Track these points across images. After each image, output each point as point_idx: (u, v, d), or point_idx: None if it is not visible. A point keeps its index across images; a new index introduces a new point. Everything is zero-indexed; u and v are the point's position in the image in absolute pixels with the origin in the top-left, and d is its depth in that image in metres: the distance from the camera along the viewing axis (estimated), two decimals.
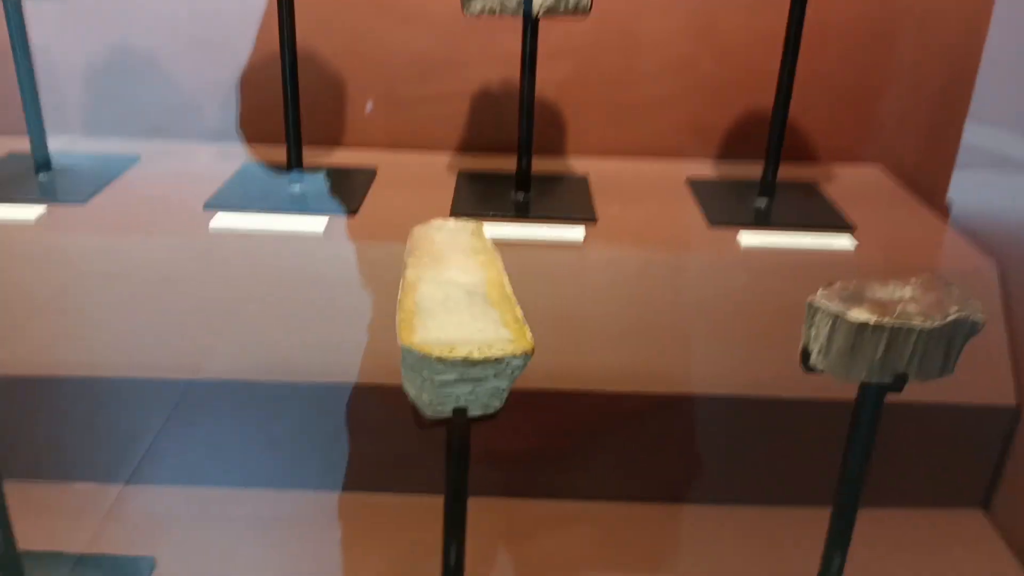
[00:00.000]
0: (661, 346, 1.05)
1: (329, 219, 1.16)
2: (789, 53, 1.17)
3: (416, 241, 0.80)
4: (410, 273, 0.74)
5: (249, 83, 1.45)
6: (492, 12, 1.14)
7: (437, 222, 0.82)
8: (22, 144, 1.27)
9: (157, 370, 1.02)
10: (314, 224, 1.14)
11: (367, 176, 1.35)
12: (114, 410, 1.04)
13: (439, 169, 1.40)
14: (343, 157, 1.43)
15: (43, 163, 1.26)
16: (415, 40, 1.42)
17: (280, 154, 1.27)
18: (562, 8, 1.14)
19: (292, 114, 1.23)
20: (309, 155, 1.30)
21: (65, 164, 1.31)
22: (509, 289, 0.74)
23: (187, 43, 1.44)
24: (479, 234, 0.81)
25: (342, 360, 1.03)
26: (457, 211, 1.22)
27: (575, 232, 1.15)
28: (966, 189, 1.23)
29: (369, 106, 1.45)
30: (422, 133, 1.47)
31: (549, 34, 1.26)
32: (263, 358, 1.03)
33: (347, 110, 1.47)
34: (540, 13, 1.13)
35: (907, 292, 0.74)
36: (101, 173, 1.29)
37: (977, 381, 1.02)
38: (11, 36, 1.18)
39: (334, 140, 1.48)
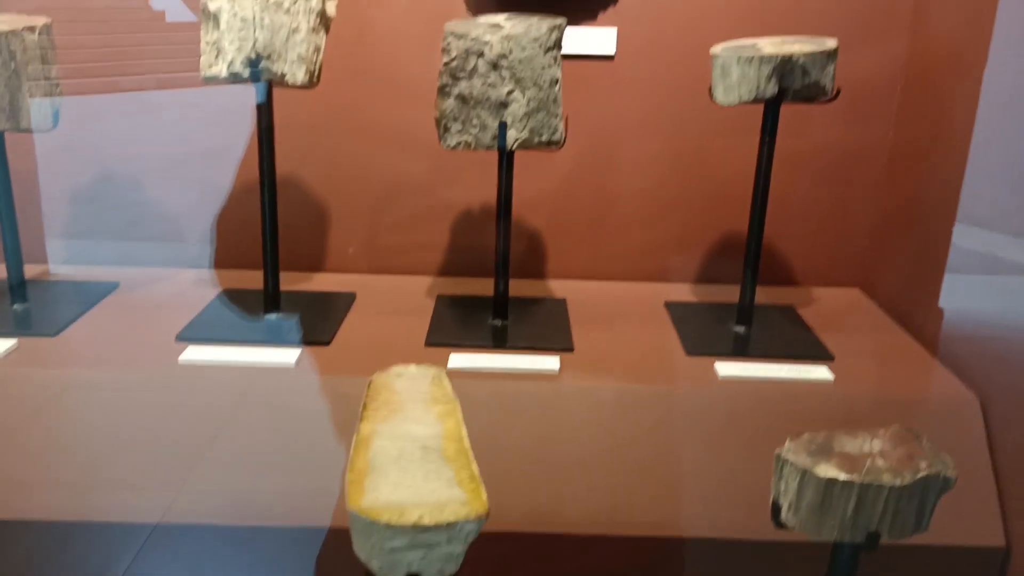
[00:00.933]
0: (639, 484, 1.03)
1: (302, 351, 1.15)
2: (761, 180, 1.19)
3: (374, 390, 0.78)
4: (364, 427, 0.72)
5: (232, 208, 1.46)
6: (468, 146, 1.16)
7: (397, 369, 0.81)
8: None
9: (121, 514, 0.99)
10: (286, 356, 1.13)
11: (346, 301, 1.34)
12: (76, 555, 1.01)
13: (418, 293, 1.40)
14: (323, 282, 1.43)
15: (19, 292, 1.26)
16: (396, 165, 1.44)
17: (260, 280, 1.26)
18: (536, 142, 1.16)
19: (270, 242, 1.23)
20: (290, 279, 1.30)
21: (42, 293, 1.31)
22: (467, 442, 0.72)
23: (170, 169, 1.46)
24: (440, 382, 0.79)
25: (311, 502, 1.00)
26: (433, 339, 1.21)
27: (551, 362, 1.13)
28: (949, 316, 1.22)
29: (351, 250, 1.47)
30: (403, 257, 1.48)
31: (528, 158, 1.28)
32: (230, 500, 1.00)
33: (328, 234, 1.48)
34: (514, 147, 1.15)
35: (876, 445, 0.72)
36: (77, 302, 1.29)
37: (963, 521, 0.99)
38: None
39: (315, 264, 1.49)
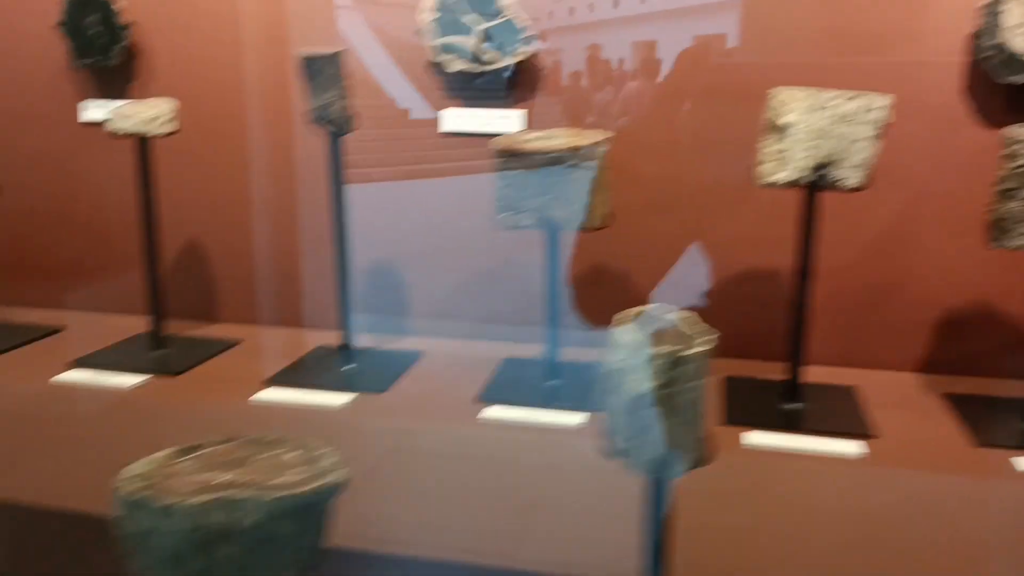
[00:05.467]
0: None
1: (584, 416, 1.26)
2: None
3: None
4: None
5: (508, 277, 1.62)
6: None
7: None
8: (323, 337, 1.54)
9: (437, 551, 1.08)
10: (571, 420, 1.26)
11: None
12: None
13: None
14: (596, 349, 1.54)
15: (347, 357, 1.50)
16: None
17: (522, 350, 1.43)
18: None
19: (552, 306, 1.36)
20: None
21: (363, 359, 1.52)
22: None
23: (460, 243, 1.64)
24: None
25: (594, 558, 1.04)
26: (731, 419, 1.26)
27: (854, 447, 1.17)
28: None
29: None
30: None
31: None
32: (524, 549, 1.07)
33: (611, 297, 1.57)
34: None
35: None
36: (392, 367, 1.50)
37: None
38: (336, 243, 1.44)
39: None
